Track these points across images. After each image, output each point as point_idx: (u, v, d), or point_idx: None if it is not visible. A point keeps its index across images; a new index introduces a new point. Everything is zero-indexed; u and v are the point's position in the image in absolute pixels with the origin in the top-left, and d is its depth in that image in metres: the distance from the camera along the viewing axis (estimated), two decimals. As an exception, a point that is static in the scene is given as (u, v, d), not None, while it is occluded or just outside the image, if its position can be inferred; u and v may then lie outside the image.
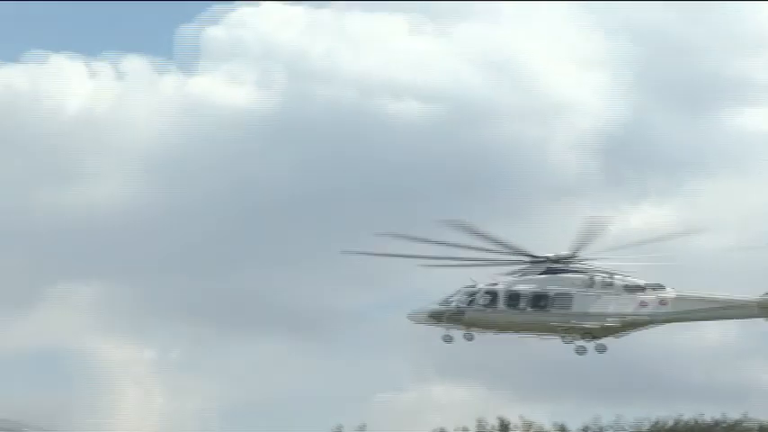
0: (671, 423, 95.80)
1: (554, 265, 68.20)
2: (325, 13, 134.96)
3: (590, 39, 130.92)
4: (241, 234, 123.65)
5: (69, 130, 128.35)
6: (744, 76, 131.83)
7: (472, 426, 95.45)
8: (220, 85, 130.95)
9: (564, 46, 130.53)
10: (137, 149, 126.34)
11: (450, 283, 68.56)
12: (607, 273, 67.49)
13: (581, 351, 68.01)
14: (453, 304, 69.63)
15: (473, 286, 69.60)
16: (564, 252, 67.45)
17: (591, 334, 67.35)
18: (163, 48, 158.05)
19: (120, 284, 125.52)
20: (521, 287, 68.00)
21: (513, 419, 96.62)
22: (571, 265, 68.36)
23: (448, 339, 70.22)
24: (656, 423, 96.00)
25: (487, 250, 66.38)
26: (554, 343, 66.97)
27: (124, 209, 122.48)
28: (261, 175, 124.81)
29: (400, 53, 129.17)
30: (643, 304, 67.67)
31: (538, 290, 67.85)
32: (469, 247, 66.56)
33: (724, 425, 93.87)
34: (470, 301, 68.89)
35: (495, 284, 68.66)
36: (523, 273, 68.65)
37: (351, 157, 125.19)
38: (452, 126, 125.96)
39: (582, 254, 66.90)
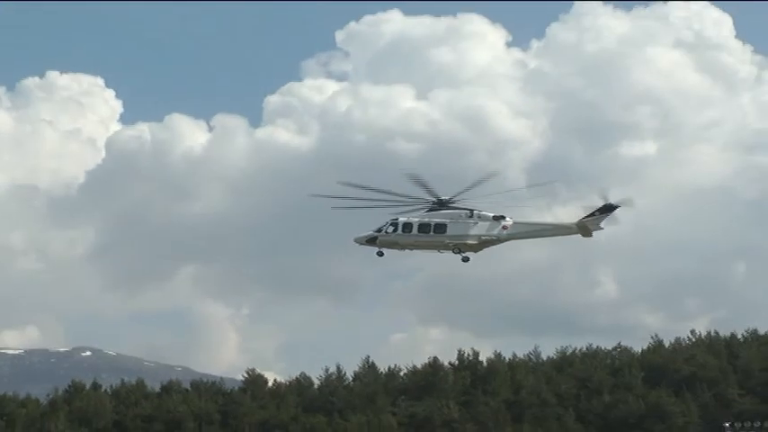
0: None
1: (444, 205, 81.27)
2: (345, 84, 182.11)
3: (522, 98, 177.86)
4: (289, 232, 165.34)
5: (183, 165, 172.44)
6: (629, 120, 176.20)
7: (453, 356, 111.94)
8: (281, 132, 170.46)
9: (505, 103, 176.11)
10: (226, 177, 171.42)
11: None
12: (476, 209, 79.90)
13: (465, 260, 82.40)
14: (382, 231, 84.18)
15: (396, 219, 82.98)
16: (449, 196, 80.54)
17: (471, 249, 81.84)
18: (240, 109, 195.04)
19: (212, 267, 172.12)
20: (425, 219, 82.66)
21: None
22: (454, 204, 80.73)
23: (380, 254, 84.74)
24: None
25: (406, 196, 78.86)
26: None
27: (219, 216, 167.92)
28: (304, 191, 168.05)
29: (394, 110, 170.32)
30: (504, 228, 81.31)
31: (433, 219, 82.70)
32: (395, 194, 78.69)
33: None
34: (394, 229, 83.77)
35: (408, 218, 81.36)
36: (427, 210, 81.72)
37: (365, 177, 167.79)
38: (432, 156, 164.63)
39: (461, 197, 79.14)
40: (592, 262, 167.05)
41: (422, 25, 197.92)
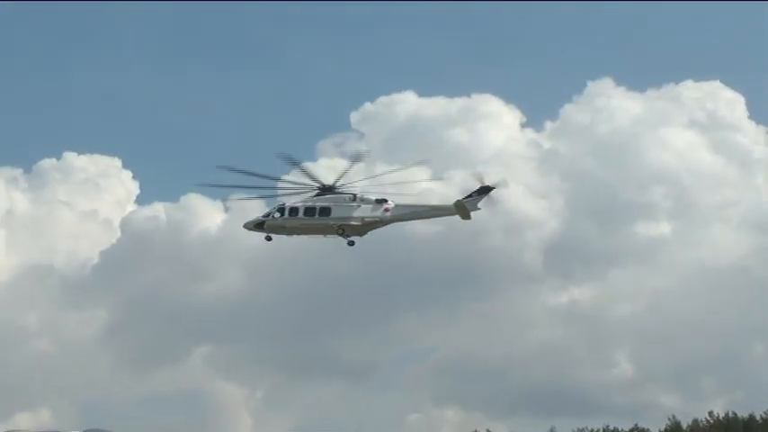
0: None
1: (329, 190, 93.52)
2: (360, 164, 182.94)
3: (537, 178, 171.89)
4: (304, 313, 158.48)
5: (198, 244, 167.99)
6: (644, 200, 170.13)
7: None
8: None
9: (520, 183, 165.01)
10: (241, 258, 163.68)
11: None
12: (359, 193, 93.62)
13: (351, 243, 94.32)
14: (270, 216, 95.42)
15: (283, 204, 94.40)
16: (333, 181, 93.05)
17: (355, 230, 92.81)
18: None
19: (226, 348, 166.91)
20: (310, 203, 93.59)
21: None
22: (340, 189, 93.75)
23: (268, 239, 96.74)
24: None
25: (295, 183, 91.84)
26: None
27: (234, 297, 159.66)
28: (319, 273, 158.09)
29: (410, 190, 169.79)
30: (386, 210, 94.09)
31: (318, 203, 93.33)
32: (283, 180, 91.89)
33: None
34: (281, 214, 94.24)
35: (294, 203, 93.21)
36: (314, 195, 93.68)
37: (382, 257, 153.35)
38: (449, 237, 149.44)
39: (343, 182, 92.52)
40: (607, 341, 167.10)
41: (436, 106, 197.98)
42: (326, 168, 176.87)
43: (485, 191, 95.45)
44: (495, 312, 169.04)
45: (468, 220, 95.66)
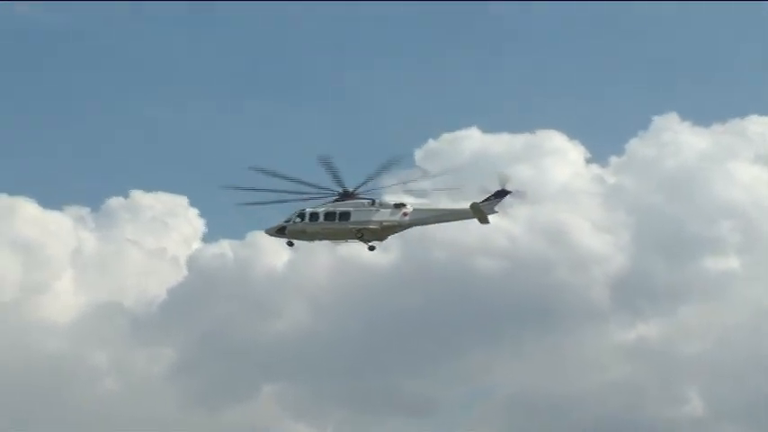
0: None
1: (349, 196, 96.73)
2: (425, 201, 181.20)
3: (603, 213, 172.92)
4: (371, 350, 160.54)
5: (264, 281, 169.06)
6: (711, 235, 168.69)
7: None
8: (362, 249, 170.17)
9: (586, 218, 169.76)
10: (307, 294, 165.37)
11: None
12: (377, 198, 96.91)
13: (371, 248, 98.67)
14: (290, 221, 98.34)
15: (303, 209, 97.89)
16: (353, 188, 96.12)
17: (374, 235, 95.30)
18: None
19: (295, 386, 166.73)
20: (330, 208, 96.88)
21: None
22: (359, 194, 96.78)
23: (290, 244, 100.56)
24: None
25: (314, 186, 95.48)
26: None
27: (301, 334, 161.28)
28: (385, 309, 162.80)
29: (475, 227, 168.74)
30: (404, 215, 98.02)
31: (338, 208, 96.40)
32: (304, 183, 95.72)
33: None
34: (301, 219, 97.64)
35: (314, 208, 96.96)
36: (333, 201, 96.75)
37: (446, 294, 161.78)
38: (514, 273, 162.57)
39: (364, 189, 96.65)
40: (676, 378, 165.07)
41: (500, 142, 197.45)
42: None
43: (501, 194, 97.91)
44: (562, 349, 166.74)
45: (487, 224, 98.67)
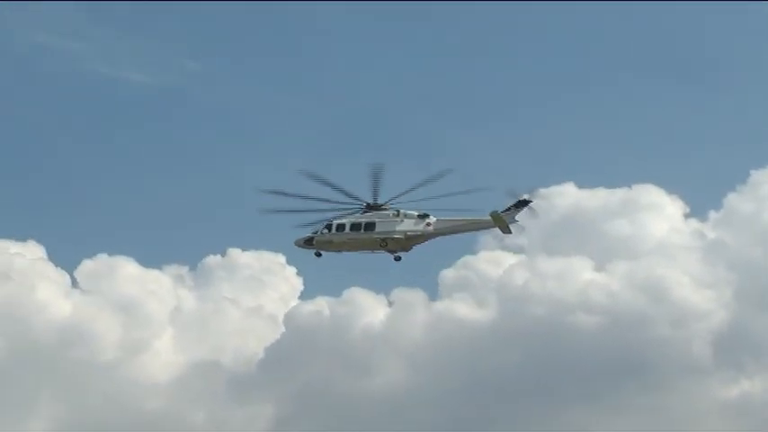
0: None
1: (375, 208, 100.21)
2: (522, 257, 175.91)
3: (703, 268, 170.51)
4: (467, 408, 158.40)
5: (361, 339, 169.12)
6: None
7: None
8: (459, 306, 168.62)
9: (686, 274, 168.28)
10: (404, 351, 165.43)
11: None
12: (401, 209, 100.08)
13: (397, 259, 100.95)
14: (318, 232, 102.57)
15: (330, 221, 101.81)
16: (379, 200, 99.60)
17: (399, 244, 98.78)
18: (416, 282, 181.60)
19: None
20: (355, 219, 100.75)
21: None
22: (385, 206, 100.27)
23: (318, 255, 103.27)
24: None
25: (339, 201, 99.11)
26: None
27: (398, 391, 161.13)
28: (483, 365, 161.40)
29: (572, 282, 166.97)
30: (428, 225, 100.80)
31: (363, 219, 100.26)
32: (328, 201, 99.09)
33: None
34: (328, 230, 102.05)
35: (341, 218, 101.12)
36: (360, 211, 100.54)
37: (545, 351, 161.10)
38: (613, 329, 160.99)
39: (389, 201, 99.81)
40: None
41: (596, 197, 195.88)
42: (488, 262, 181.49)
43: (522, 204, 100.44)
44: (663, 406, 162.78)
45: (509, 234, 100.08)
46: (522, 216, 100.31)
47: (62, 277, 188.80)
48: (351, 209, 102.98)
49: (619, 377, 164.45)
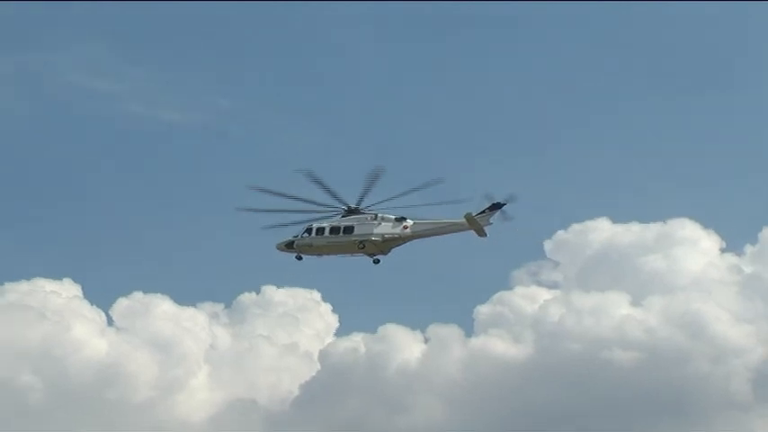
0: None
1: (354, 212, 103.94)
2: (557, 292, 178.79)
3: (741, 303, 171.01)
4: None
5: (397, 376, 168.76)
6: None
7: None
8: (495, 342, 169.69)
9: (723, 308, 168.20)
10: (440, 388, 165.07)
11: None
12: (379, 213, 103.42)
13: (376, 261, 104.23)
14: (299, 236, 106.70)
15: (310, 225, 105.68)
16: (356, 204, 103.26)
17: (377, 247, 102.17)
18: (451, 318, 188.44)
19: None
20: (335, 223, 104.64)
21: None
22: (364, 210, 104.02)
23: (299, 258, 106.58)
24: None
25: (320, 205, 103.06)
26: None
27: (433, 429, 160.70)
28: (520, 402, 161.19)
29: (608, 318, 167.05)
30: (405, 228, 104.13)
31: (342, 223, 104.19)
32: (312, 202, 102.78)
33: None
34: (308, 234, 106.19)
35: (321, 222, 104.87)
36: (340, 217, 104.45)
37: (581, 387, 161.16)
38: (651, 365, 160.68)
39: (365, 204, 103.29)
40: None
41: (630, 232, 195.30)
42: (522, 297, 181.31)
43: (496, 207, 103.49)
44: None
45: (484, 237, 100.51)
46: (496, 219, 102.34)
47: (98, 315, 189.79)
48: (332, 213, 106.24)
49: (656, 414, 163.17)
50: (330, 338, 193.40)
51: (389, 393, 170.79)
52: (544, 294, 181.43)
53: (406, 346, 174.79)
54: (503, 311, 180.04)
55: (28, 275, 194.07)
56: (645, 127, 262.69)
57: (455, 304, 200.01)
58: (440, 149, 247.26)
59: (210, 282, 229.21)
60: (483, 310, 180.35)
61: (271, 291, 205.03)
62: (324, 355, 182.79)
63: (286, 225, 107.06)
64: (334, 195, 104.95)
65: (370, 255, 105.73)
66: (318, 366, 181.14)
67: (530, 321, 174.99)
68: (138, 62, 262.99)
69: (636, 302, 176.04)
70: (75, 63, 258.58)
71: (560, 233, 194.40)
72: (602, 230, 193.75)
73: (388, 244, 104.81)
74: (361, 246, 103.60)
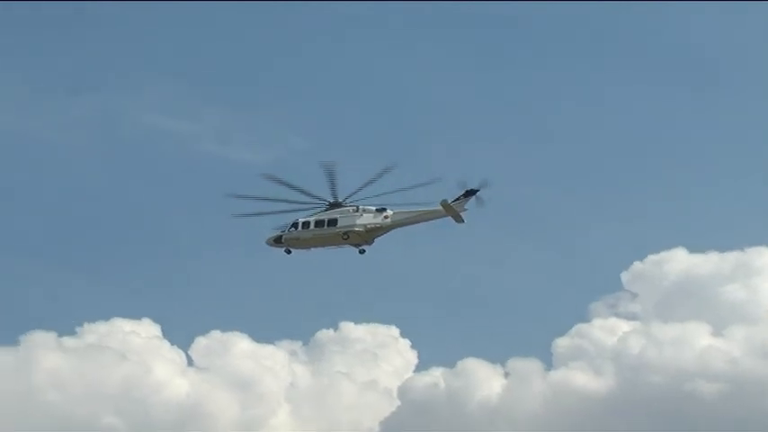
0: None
1: (337, 205, 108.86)
2: (636, 324, 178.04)
3: None
4: None
5: (478, 411, 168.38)
6: None
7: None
8: (575, 375, 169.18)
9: None
10: (521, 424, 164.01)
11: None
12: (360, 205, 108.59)
13: (362, 252, 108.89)
14: (286, 230, 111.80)
15: (297, 219, 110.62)
16: (341, 198, 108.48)
17: (361, 237, 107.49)
18: (530, 351, 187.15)
19: None
20: (320, 216, 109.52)
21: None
22: (345, 203, 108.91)
23: (287, 252, 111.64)
24: None
25: (303, 202, 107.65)
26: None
27: None
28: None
29: (690, 349, 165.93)
30: (385, 217, 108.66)
31: (326, 216, 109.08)
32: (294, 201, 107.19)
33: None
34: (295, 228, 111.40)
35: (307, 217, 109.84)
36: (323, 210, 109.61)
37: (665, 419, 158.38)
38: (735, 396, 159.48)
39: (349, 199, 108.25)
40: None
41: (708, 262, 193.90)
42: (601, 329, 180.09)
43: (470, 193, 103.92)
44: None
45: (461, 223, 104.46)
46: (471, 205, 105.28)
47: (178, 355, 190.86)
48: (315, 208, 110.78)
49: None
50: (409, 374, 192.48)
51: (471, 428, 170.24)
52: (623, 326, 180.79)
53: (485, 381, 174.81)
54: (582, 344, 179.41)
55: (106, 316, 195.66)
56: (717, 152, 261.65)
57: (533, 337, 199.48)
58: (513, 189, 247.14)
59: (288, 319, 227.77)
60: (562, 343, 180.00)
61: (348, 327, 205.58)
62: (403, 391, 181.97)
63: (258, 215, 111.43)
64: (310, 194, 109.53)
65: (356, 245, 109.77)
66: (398, 402, 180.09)
67: (610, 354, 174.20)
68: (212, 102, 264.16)
69: (717, 333, 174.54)
70: (150, 103, 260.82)
71: (637, 264, 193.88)
72: (678, 260, 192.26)
73: (371, 234, 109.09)
74: (346, 236, 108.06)
